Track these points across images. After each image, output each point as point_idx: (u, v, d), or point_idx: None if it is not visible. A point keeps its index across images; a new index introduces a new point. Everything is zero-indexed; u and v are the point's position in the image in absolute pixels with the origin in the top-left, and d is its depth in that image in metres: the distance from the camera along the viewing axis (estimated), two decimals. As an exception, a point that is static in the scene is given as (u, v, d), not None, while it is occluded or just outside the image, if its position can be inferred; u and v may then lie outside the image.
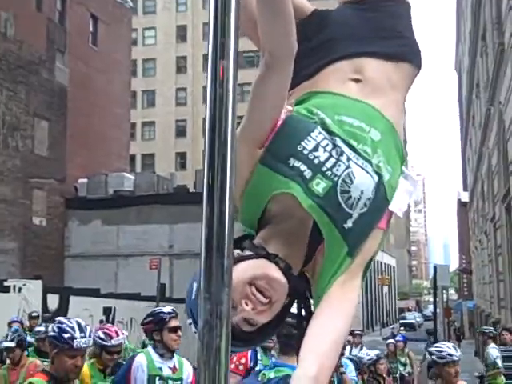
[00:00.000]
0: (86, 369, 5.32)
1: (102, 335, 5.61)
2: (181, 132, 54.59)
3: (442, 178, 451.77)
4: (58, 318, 3.93)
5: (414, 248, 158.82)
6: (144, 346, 15.30)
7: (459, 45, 37.20)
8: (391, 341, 14.12)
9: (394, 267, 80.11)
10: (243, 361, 5.79)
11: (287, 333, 3.05)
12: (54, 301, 15.68)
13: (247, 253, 1.52)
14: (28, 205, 24.55)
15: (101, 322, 13.07)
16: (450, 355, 5.19)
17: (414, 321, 57.25)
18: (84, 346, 3.68)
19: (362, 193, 1.52)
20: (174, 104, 55.43)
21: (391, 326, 55.47)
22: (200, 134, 53.43)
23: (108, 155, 29.58)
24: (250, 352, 5.80)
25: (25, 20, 24.12)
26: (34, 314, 12.37)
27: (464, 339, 33.50)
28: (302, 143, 1.53)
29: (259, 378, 3.41)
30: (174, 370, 5.03)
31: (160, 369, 4.96)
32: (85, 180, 27.99)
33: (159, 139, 54.39)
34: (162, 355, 5.00)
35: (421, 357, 16.86)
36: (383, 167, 1.56)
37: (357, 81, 1.68)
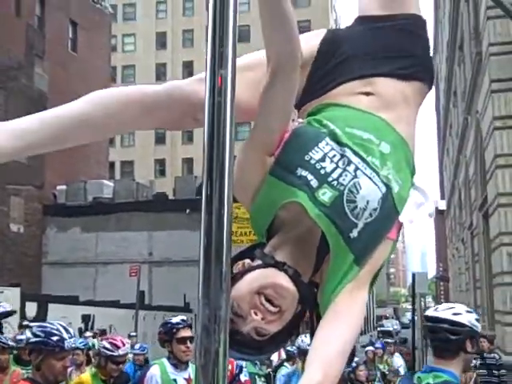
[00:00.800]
0: (88, 378, 5.28)
1: (108, 345, 5.56)
2: (160, 139, 54.42)
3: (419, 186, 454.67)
4: (36, 323, 3.85)
5: (392, 256, 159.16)
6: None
7: (437, 54, 37.59)
8: (370, 348, 14.17)
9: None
10: (229, 367, 5.74)
11: (444, 338, 3.12)
12: (32, 308, 15.55)
13: (257, 262, 1.53)
14: (5, 211, 24.32)
15: (79, 329, 12.94)
16: None
17: (391, 328, 57.39)
18: (73, 346, 3.66)
19: (367, 203, 1.53)
20: (153, 111, 55.24)
21: (369, 334, 55.63)
22: (179, 141, 53.34)
23: (87, 162, 29.41)
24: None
25: (3, 25, 23.94)
26: None
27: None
28: (310, 153, 1.55)
29: (415, 381, 3.31)
30: (189, 380, 4.91)
31: (174, 380, 4.87)
32: (63, 187, 27.81)
33: (138, 146, 54.19)
34: (175, 366, 4.91)
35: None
36: (392, 179, 1.57)
37: (368, 94, 1.70)
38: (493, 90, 13.06)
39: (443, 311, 3.26)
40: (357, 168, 1.55)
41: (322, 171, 1.54)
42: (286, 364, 9.99)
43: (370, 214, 1.53)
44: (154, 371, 4.89)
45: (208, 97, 1.26)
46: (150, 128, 1.92)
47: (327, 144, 1.57)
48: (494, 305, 14.18)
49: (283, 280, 1.49)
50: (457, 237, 28.04)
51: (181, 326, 4.92)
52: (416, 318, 15.97)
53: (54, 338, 3.56)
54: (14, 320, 19.06)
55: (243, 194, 1.61)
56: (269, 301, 1.47)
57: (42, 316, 15.65)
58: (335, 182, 1.53)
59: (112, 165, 45.66)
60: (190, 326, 5.01)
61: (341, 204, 1.52)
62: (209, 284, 1.20)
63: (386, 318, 70.47)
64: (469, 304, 21.82)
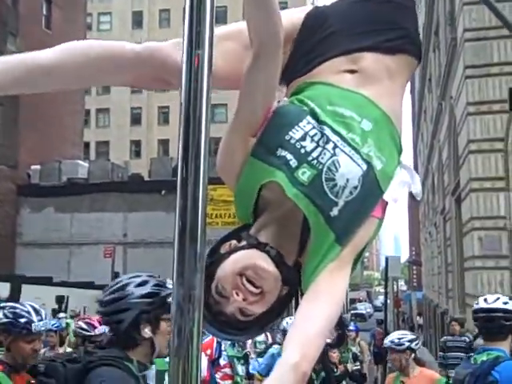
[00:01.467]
0: None
1: (84, 326, 5.50)
2: (136, 120, 54.05)
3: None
4: (9, 304, 3.80)
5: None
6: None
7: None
8: (343, 330, 14.29)
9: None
10: (208, 352, 5.72)
11: (499, 324, 3.83)
12: (5, 289, 15.44)
13: (243, 243, 1.53)
14: (-22, 191, 24.05)
15: (53, 310, 12.89)
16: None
17: (364, 311, 58.06)
18: (42, 329, 3.59)
19: (347, 181, 1.51)
20: (129, 91, 54.79)
21: (342, 316, 56.06)
22: (155, 122, 53.00)
23: (62, 142, 29.13)
24: (214, 343, 5.73)
25: (-24, 2, 23.54)
26: None
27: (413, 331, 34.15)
28: (290, 133, 1.54)
29: (472, 362, 3.87)
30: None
31: (169, 363, 4.69)
32: (38, 167, 27.53)
33: (114, 127, 53.75)
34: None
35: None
36: (374, 156, 1.55)
37: (352, 72, 1.68)
38: (467, 75, 13.15)
39: (494, 302, 3.95)
40: (335, 146, 1.53)
41: (302, 150, 1.52)
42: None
43: (351, 192, 1.51)
44: None
45: (184, 78, 1.25)
46: (121, 84, 1.93)
47: (308, 123, 1.55)
48: (465, 288, 14.39)
49: (264, 261, 1.48)
50: (430, 221, 28.32)
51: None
52: (389, 301, 16.17)
53: (22, 320, 3.52)
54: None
55: (229, 177, 1.60)
56: (250, 282, 1.47)
57: (15, 297, 15.54)
58: (315, 161, 1.52)
59: (87, 145, 45.27)
60: None
61: (320, 183, 1.50)
62: (183, 264, 1.21)
63: (360, 301, 71.19)
64: (440, 288, 22.10)
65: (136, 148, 54.01)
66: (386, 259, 17.00)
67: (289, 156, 1.52)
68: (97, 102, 53.97)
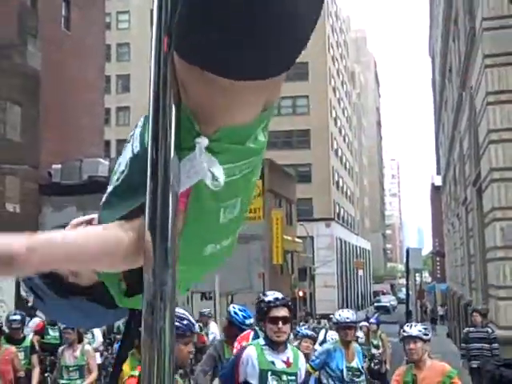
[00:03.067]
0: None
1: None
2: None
3: (416, 162, 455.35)
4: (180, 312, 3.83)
5: (388, 232, 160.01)
6: (119, 332, 15.24)
7: (432, 29, 37.32)
8: (364, 323, 14.28)
9: (369, 251, 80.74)
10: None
11: None
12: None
13: None
14: (1, 191, 24.26)
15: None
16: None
17: (388, 304, 57.90)
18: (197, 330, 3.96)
19: (119, 166, 1.48)
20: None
21: (366, 309, 55.97)
22: (175, 119, 53.15)
23: (82, 141, 29.31)
24: (251, 335, 5.55)
25: (-5, 3, 23.73)
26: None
27: (437, 322, 33.93)
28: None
29: None
30: (287, 363, 4.56)
31: (272, 362, 4.51)
32: (59, 166, 27.72)
33: (134, 125, 53.65)
34: (272, 347, 4.54)
35: (394, 339, 17.05)
36: (136, 138, 1.48)
37: None
38: (486, 64, 12.98)
39: None
40: (128, 141, 1.53)
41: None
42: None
43: (117, 178, 1.45)
44: (250, 352, 4.55)
45: (154, 62, 1.24)
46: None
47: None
48: (487, 279, 14.24)
49: None
50: (452, 212, 28.06)
51: (272, 304, 4.60)
52: (410, 292, 16.05)
53: (185, 322, 3.78)
54: (10, 299, 19.12)
55: None
56: None
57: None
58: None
59: (107, 143, 45.53)
60: (285, 305, 4.65)
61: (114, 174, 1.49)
62: (154, 259, 1.19)
63: (383, 293, 70.95)
64: (463, 279, 21.90)
65: (157, 145, 54.17)
66: (407, 251, 16.93)
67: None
68: (117, 101, 54.25)
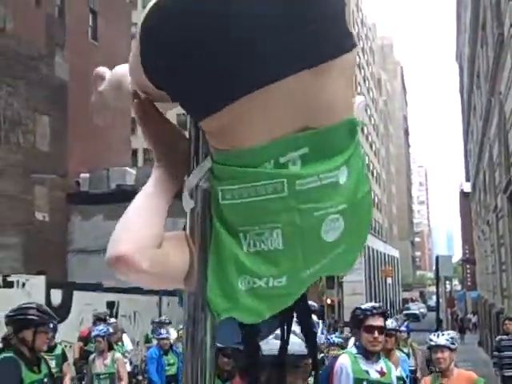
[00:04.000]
0: None
1: None
2: (182, 124, 54.50)
3: (444, 169, 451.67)
4: None
5: (417, 239, 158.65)
6: (147, 340, 15.28)
7: (460, 35, 37.03)
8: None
9: (397, 259, 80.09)
10: None
11: None
12: (57, 296, 15.69)
13: None
14: (30, 200, 24.54)
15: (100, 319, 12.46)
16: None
17: (417, 311, 57.36)
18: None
19: None
20: (175, 98, 55.30)
21: (395, 317, 55.48)
22: (201, 128, 53.37)
23: (109, 150, 29.55)
24: None
25: (24, 15, 24.05)
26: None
27: (466, 331, 33.48)
28: None
29: None
30: (381, 373, 4.49)
31: (367, 372, 4.44)
32: (86, 175, 27.96)
33: (161, 133, 54.29)
34: (366, 357, 4.46)
35: (424, 347, 16.84)
36: None
37: None
38: (516, 69, 12.86)
39: None
40: None
41: None
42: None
43: None
44: (344, 361, 4.47)
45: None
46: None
47: None
48: (519, 287, 14.04)
49: None
50: (482, 219, 27.74)
51: (369, 313, 4.49)
52: (441, 300, 15.87)
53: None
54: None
55: None
56: None
57: (67, 303, 15.80)
58: None
59: (135, 152, 45.84)
60: (382, 314, 4.56)
61: None
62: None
63: (413, 301, 70.37)
64: (495, 287, 21.61)
65: (183, 154, 54.48)
66: (437, 258, 16.75)
67: None
68: (144, 110, 54.45)
